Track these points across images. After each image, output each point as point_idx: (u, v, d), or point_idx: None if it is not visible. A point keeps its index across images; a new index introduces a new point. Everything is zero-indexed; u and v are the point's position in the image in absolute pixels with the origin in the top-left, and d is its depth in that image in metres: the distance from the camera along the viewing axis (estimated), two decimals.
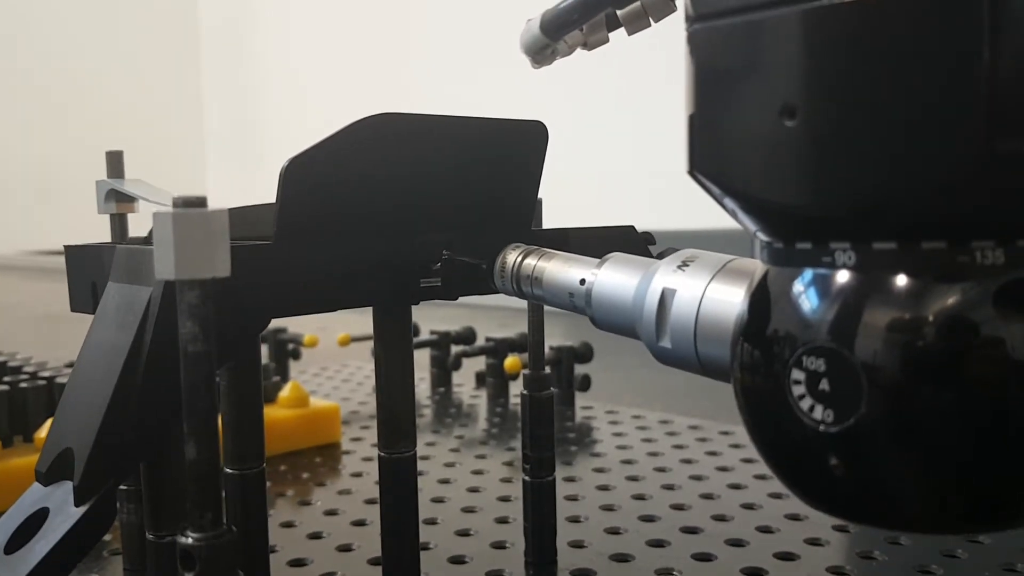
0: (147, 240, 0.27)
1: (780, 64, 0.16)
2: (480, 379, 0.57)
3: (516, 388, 0.55)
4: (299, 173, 0.21)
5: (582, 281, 0.23)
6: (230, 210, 0.26)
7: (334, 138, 0.21)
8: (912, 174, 0.16)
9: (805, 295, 0.18)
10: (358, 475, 0.40)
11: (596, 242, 0.26)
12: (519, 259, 0.25)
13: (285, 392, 0.46)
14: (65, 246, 0.24)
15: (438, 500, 0.37)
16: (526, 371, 0.30)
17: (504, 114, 0.24)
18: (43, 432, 0.38)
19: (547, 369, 0.30)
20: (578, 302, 0.24)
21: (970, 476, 0.16)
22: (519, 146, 0.25)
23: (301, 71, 3.08)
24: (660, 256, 0.24)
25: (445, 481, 0.40)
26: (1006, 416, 0.16)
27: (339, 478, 0.40)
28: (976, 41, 0.15)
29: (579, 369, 0.53)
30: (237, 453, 0.24)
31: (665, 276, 0.21)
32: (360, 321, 0.70)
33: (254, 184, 3.30)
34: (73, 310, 0.24)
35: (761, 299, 0.18)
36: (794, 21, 0.16)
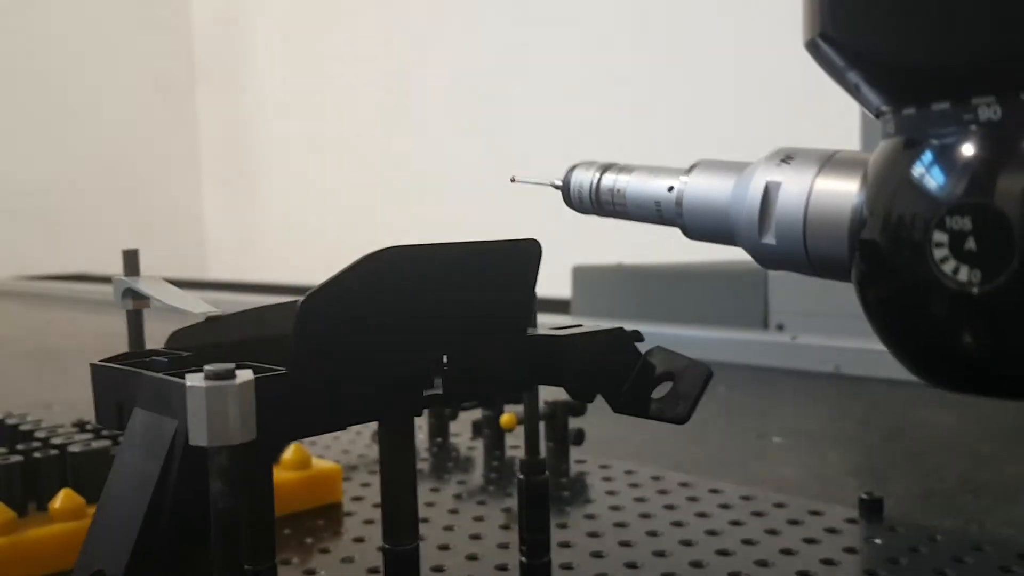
0: (168, 344, 0.28)
1: None
2: (476, 428, 0.59)
3: (511, 439, 0.56)
4: (314, 309, 0.22)
5: (670, 188, 0.23)
6: (245, 312, 0.28)
7: (345, 274, 0.22)
8: None
9: (945, 155, 0.17)
10: (360, 540, 0.42)
11: (586, 343, 0.28)
12: (597, 176, 0.26)
13: (288, 453, 0.47)
14: (92, 365, 0.26)
15: (443, 547, 0.40)
16: (522, 457, 0.32)
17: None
18: (57, 503, 0.40)
19: (541, 424, 0.32)
20: (666, 211, 0.24)
21: None
22: (515, 263, 0.26)
23: (295, 92, 3.10)
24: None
25: (449, 528, 0.42)
26: None
27: (341, 542, 0.42)
28: None
29: (573, 423, 0.55)
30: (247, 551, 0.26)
31: (768, 170, 0.21)
32: None
33: (247, 203, 3.30)
34: (99, 423, 0.26)
35: (890, 169, 0.18)
36: None
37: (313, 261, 2.94)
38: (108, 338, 1.27)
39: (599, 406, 0.29)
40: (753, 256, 0.22)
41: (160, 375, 0.22)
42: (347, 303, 0.22)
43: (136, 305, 0.32)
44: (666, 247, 1.40)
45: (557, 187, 0.28)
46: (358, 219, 2.85)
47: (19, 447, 0.43)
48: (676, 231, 0.26)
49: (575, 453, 0.55)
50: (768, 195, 0.21)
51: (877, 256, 0.18)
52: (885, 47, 0.17)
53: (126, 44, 3.19)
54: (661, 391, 0.28)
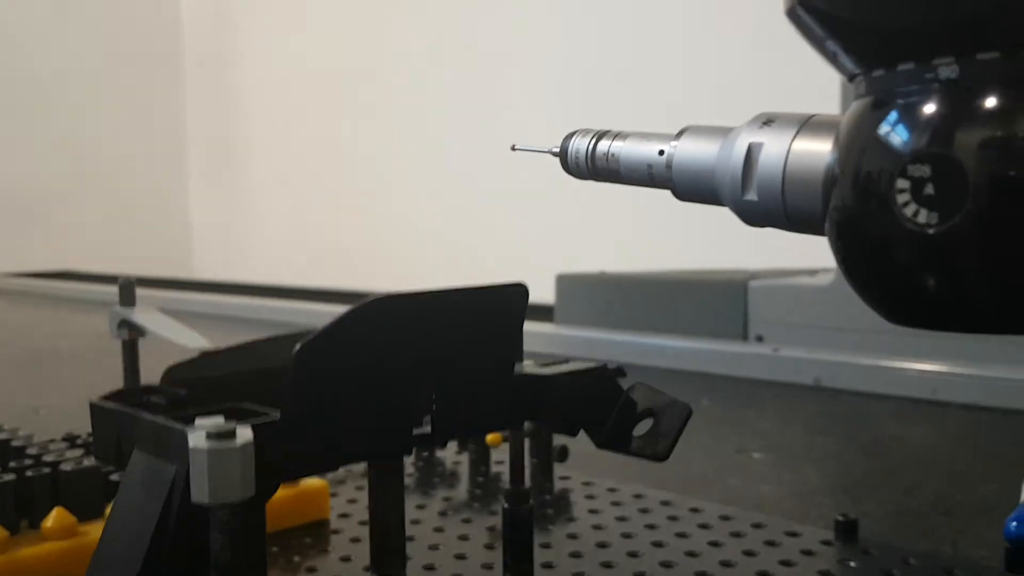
0: (164, 379, 0.29)
1: None
2: (462, 443, 0.60)
3: (497, 455, 0.57)
4: (309, 357, 0.23)
5: (661, 152, 0.25)
6: (238, 346, 0.29)
7: (338, 323, 0.23)
8: None
9: (909, 110, 0.19)
10: (347, 559, 0.43)
11: (571, 381, 0.29)
12: (592, 142, 0.28)
13: None
14: (91, 404, 0.26)
15: (428, 567, 0.40)
16: (507, 487, 0.33)
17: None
18: (49, 521, 0.40)
19: (527, 441, 0.33)
20: (657, 173, 0.26)
21: None
22: (503, 306, 0.27)
23: (282, 94, 3.10)
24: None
25: (434, 547, 0.43)
26: None
27: (328, 561, 0.43)
28: None
29: (557, 440, 0.56)
30: None
31: (751, 133, 0.23)
32: None
33: (233, 200, 3.29)
34: (97, 459, 0.27)
35: (863, 125, 0.20)
36: None
37: (300, 259, 2.94)
38: (94, 339, 1.27)
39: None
40: (736, 213, 0.24)
41: (159, 420, 0.23)
42: (340, 351, 0.23)
43: (131, 336, 0.32)
44: (651, 255, 1.40)
45: (555, 154, 0.30)
46: (345, 217, 2.86)
47: (11, 464, 0.43)
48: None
49: (559, 469, 0.56)
50: (751, 155, 0.24)
51: (847, 206, 0.20)
52: (857, 13, 0.20)
53: (112, 38, 3.17)
54: (642, 428, 0.29)
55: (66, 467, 0.44)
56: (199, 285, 2.00)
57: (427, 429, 0.26)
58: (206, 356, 0.29)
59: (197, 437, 0.19)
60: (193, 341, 0.29)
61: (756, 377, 0.89)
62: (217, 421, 0.21)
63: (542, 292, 1.14)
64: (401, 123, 2.67)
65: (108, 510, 0.43)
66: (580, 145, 0.29)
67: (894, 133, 0.19)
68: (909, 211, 0.19)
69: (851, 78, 0.21)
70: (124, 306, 0.33)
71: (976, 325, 0.20)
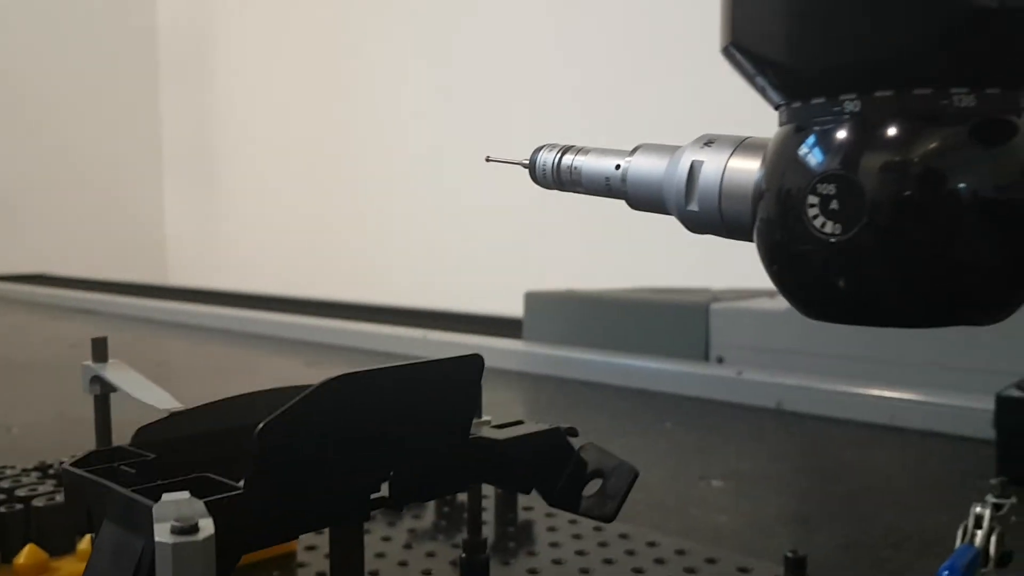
0: (134, 440, 0.30)
1: None
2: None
3: None
4: (270, 436, 0.24)
5: (617, 167, 0.29)
6: (206, 406, 0.30)
7: (299, 403, 0.25)
8: (903, 33, 0.21)
9: (819, 137, 0.23)
10: None
11: (525, 444, 0.31)
12: (557, 157, 0.31)
13: None
14: (63, 470, 0.28)
15: None
16: (464, 538, 0.34)
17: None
18: (22, 558, 0.42)
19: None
20: (614, 185, 0.30)
21: (946, 272, 0.22)
22: (459, 376, 0.29)
23: (257, 95, 3.09)
24: None
25: None
26: (969, 223, 0.21)
27: None
28: None
29: None
30: None
31: (694, 151, 0.27)
32: None
33: (208, 206, 3.29)
34: (68, 521, 0.28)
35: (783, 148, 0.24)
36: None
37: (274, 265, 2.94)
38: (68, 350, 1.27)
39: None
40: (681, 221, 0.28)
41: (127, 493, 0.24)
42: (300, 429, 0.25)
43: (104, 390, 0.33)
44: (617, 275, 1.42)
45: (525, 166, 0.33)
46: (321, 223, 2.86)
47: None
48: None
49: (523, 500, 0.57)
50: (693, 171, 0.28)
51: (770, 217, 0.24)
52: (778, 55, 0.24)
53: (90, 44, 3.16)
54: (591, 488, 0.31)
55: (39, 503, 0.45)
56: (174, 292, 1.99)
57: (385, 494, 0.28)
58: (175, 416, 0.30)
59: (162, 531, 0.20)
60: (162, 402, 0.30)
61: (720, 399, 0.91)
62: (182, 497, 0.22)
63: (515, 307, 1.16)
64: (378, 132, 2.68)
65: (80, 545, 0.45)
66: (547, 158, 0.32)
67: (807, 156, 0.23)
68: (818, 223, 0.22)
69: (776, 107, 0.25)
70: (96, 362, 0.34)
71: (874, 319, 0.25)
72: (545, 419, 0.83)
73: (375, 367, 0.26)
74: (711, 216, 0.26)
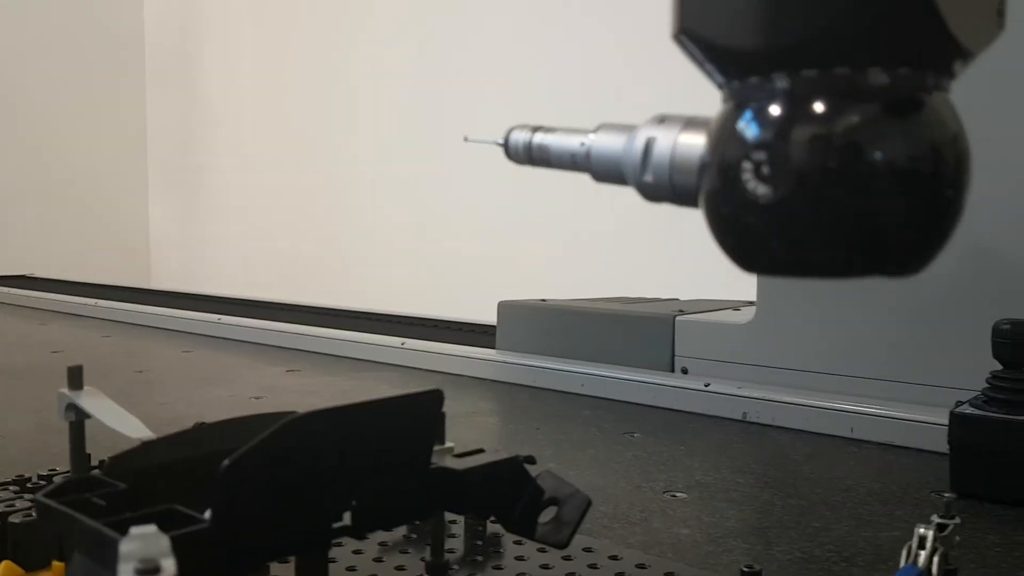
0: (107, 470, 0.32)
1: None
2: None
3: None
4: (234, 473, 0.26)
5: (581, 144, 0.32)
6: (177, 435, 0.31)
7: (263, 441, 0.26)
8: (825, 17, 0.23)
9: (755, 112, 0.25)
10: None
11: (483, 474, 0.32)
12: (529, 135, 0.35)
13: None
14: (35, 500, 0.29)
15: None
16: (428, 558, 0.36)
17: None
18: None
19: None
20: (579, 160, 0.33)
21: (862, 229, 0.24)
22: (419, 411, 0.30)
23: (242, 103, 3.09)
24: None
25: None
26: (881, 187, 0.24)
27: None
28: None
29: None
30: None
31: (648, 129, 0.31)
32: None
33: (193, 210, 3.29)
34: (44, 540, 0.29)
35: (725, 123, 0.26)
36: None
37: (259, 269, 2.94)
38: (53, 356, 1.27)
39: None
40: (638, 190, 0.32)
41: (97, 526, 0.25)
42: (264, 466, 0.26)
43: (78, 418, 0.35)
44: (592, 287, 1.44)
45: (500, 145, 0.37)
46: (307, 228, 2.86)
47: None
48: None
49: None
50: (648, 147, 0.32)
51: (712, 184, 0.26)
52: (719, 39, 0.26)
53: (76, 50, 3.15)
54: (547, 514, 0.32)
55: (15, 519, 0.46)
56: (157, 296, 1.99)
57: (348, 522, 0.29)
58: (147, 444, 0.32)
59: (126, 572, 0.21)
60: (135, 432, 0.31)
61: (687, 410, 0.93)
62: (149, 531, 0.24)
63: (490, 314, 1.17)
64: (363, 137, 2.69)
65: (55, 562, 0.46)
66: (519, 138, 0.37)
67: (743, 129, 0.25)
68: (751, 187, 0.25)
69: (719, 87, 0.27)
70: (72, 390, 0.35)
71: (801, 271, 0.27)
72: (517, 428, 0.84)
73: (338, 405, 0.27)
74: (663, 186, 0.30)
